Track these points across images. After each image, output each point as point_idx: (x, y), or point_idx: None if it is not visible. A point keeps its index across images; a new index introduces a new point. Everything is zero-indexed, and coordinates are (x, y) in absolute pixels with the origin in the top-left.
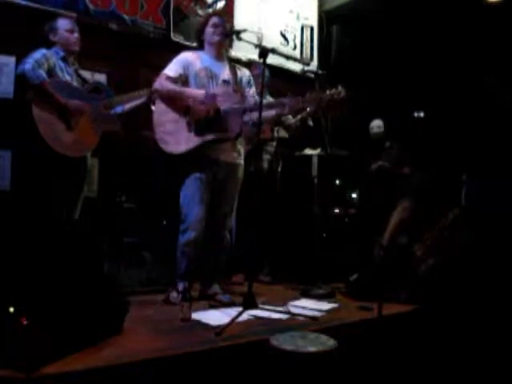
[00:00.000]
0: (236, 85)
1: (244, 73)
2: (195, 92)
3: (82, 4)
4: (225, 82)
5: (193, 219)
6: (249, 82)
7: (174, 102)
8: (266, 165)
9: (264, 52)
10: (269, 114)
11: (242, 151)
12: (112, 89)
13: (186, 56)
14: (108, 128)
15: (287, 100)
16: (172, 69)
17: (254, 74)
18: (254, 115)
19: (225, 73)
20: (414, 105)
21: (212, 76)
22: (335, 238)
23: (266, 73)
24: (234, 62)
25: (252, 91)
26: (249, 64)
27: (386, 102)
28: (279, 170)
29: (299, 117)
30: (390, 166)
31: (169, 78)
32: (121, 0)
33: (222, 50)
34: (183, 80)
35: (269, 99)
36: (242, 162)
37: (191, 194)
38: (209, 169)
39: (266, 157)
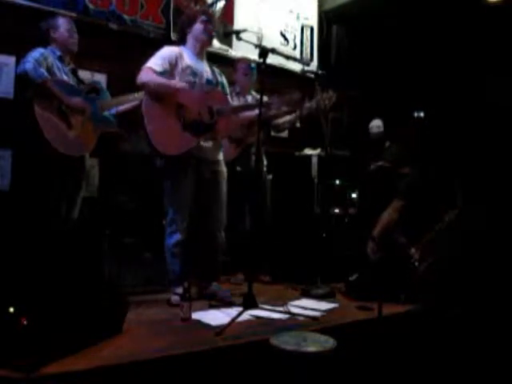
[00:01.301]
0: (217, 85)
1: (220, 73)
2: (185, 86)
3: (82, 4)
4: (209, 81)
5: (180, 220)
6: (225, 83)
7: (164, 97)
8: (252, 164)
9: (264, 52)
10: (253, 113)
11: (222, 148)
12: (112, 89)
13: (171, 51)
14: (105, 128)
15: (273, 100)
16: (158, 63)
17: (241, 72)
18: (244, 114)
19: (207, 72)
20: (414, 105)
21: (197, 74)
22: (335, 238)
23: (255, 69)
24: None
25: (227, 92)
26: (234, 60)
27: (386, 101)
28: (265, 169)
29: (288, 118)
30: (389, 165)
31: (155, 72)
32: (121, 0)
33: (204, 49)
34: (167, 76)
35: (254, 95)
36: (222, 158)
37: (177, 196)
38: (195, 168)
39: (252, 157)
